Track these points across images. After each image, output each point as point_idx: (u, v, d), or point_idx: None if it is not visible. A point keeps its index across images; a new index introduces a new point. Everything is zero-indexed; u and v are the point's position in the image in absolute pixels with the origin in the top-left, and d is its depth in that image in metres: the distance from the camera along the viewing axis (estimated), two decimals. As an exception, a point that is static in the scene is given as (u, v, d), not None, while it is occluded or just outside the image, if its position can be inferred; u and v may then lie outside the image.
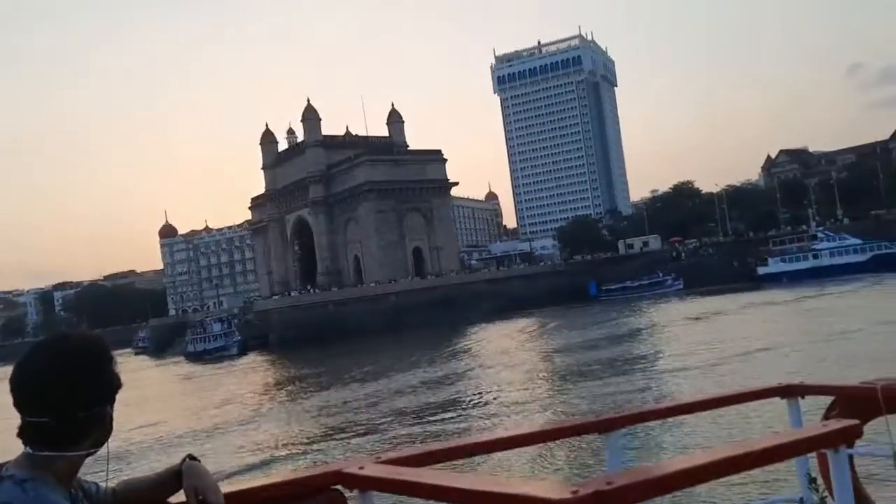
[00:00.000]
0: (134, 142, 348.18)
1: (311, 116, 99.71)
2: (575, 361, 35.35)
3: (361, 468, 2.21)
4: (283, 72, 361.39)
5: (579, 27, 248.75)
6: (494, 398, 27.58)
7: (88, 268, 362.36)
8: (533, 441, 2.97)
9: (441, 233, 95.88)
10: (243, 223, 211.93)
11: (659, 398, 21.09)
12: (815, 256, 78.19)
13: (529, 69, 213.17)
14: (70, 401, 1.64)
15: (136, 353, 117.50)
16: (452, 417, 24.32)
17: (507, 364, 38.69)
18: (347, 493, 2.23)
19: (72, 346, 1.70)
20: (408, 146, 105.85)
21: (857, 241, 77.19)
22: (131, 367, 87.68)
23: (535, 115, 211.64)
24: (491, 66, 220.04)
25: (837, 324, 35.12)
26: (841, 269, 72.86)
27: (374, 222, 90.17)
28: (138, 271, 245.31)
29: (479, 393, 29.38)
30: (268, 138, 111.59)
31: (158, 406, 41.83)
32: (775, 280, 76.57)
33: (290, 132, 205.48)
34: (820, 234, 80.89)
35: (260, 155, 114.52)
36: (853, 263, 73.55)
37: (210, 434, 28.32)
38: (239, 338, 76.80)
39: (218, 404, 38.58)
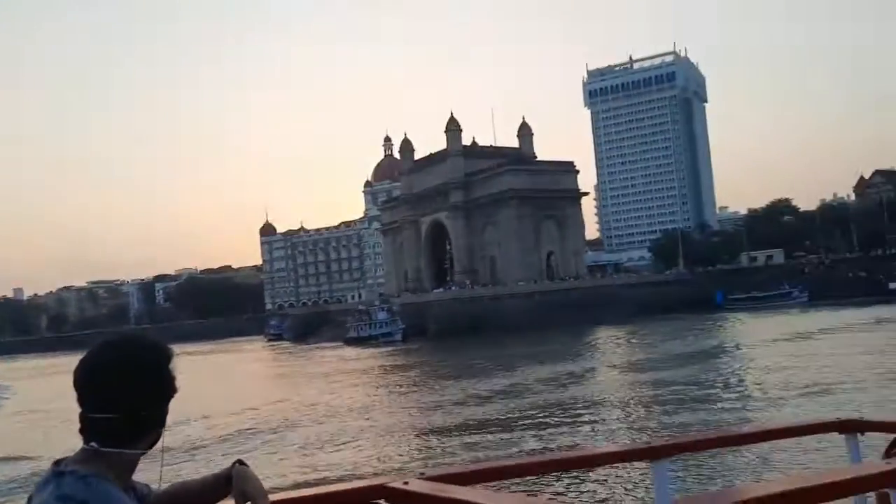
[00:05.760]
0: (237, 145, 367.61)
1: (453, 128, 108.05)
2: (665, 378, 33.65)
3: (406, 483, 2.21)
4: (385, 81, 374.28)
5: (674, 43, 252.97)
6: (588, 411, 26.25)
7: (184, 261, 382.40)
8: (577, 465, 2.94)
9: (572, 239, 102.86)
10: (340, 225, 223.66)
11: (717, 426, 20.12)
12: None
13: (622, 83, 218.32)
14: (137, 399, 1.70)
15: (270, 341, 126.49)
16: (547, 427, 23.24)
17: (619, 368, 40.16)
18: None
19: (139, 347, 1.76)
20: (536, 157, 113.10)
21: None
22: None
23: (626, 130, 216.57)
24: (583, 80, 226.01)
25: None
26: None
27: (514, 227, 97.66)
28: (234, 267, 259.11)
29: (569, 405, 27.86)
30: (407, 147, 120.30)
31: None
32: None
33: (387, 139, 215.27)
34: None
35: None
36: None
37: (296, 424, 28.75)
38: (403, 326, 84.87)
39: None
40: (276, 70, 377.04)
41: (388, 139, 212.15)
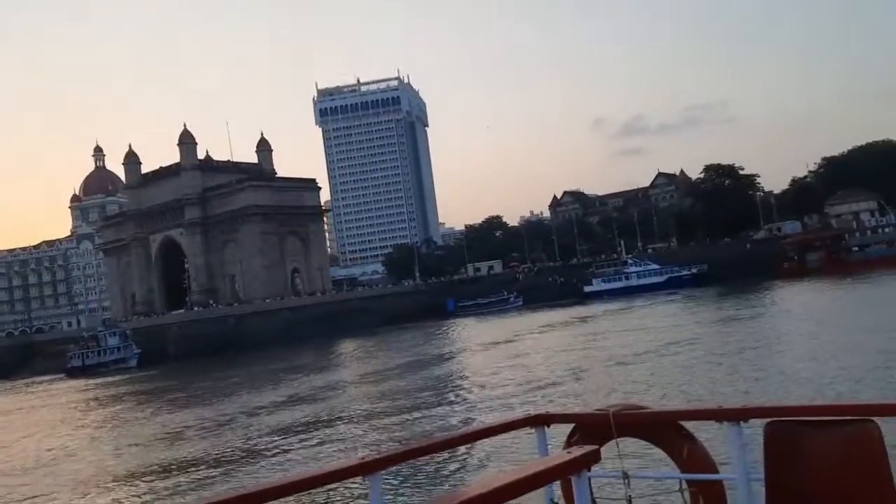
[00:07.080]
0: None
1: (187, 141, 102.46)
2: (401, 386, 34.25)
3: None
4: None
5: (398, 69, 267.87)
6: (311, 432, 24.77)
7: None
8: (288, 493, 2.74)
9: (316, 255, 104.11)
10: (41, 244, 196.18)
11: (429, 433, 20.25)
12: (627, 278, 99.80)
13: (350, 104, 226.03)
14: None
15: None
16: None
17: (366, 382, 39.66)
18: None
19: None
20: (276, 173, 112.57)
21: (657, 266, 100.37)
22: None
23: (357, 149, 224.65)
24: (313, 99, 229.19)
25: (624, 347, 36.39)
26: (646, 287, 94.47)
27: (257, 244, 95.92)
28: None
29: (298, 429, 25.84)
30: (132, 159, 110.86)
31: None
32: (597, 297, 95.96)
33: (98, 149, 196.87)
34: (630, 261, 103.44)
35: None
36: (654, 283, 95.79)
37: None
38: (138, 350, 78.62)
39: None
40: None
41: (99, 149, 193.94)
